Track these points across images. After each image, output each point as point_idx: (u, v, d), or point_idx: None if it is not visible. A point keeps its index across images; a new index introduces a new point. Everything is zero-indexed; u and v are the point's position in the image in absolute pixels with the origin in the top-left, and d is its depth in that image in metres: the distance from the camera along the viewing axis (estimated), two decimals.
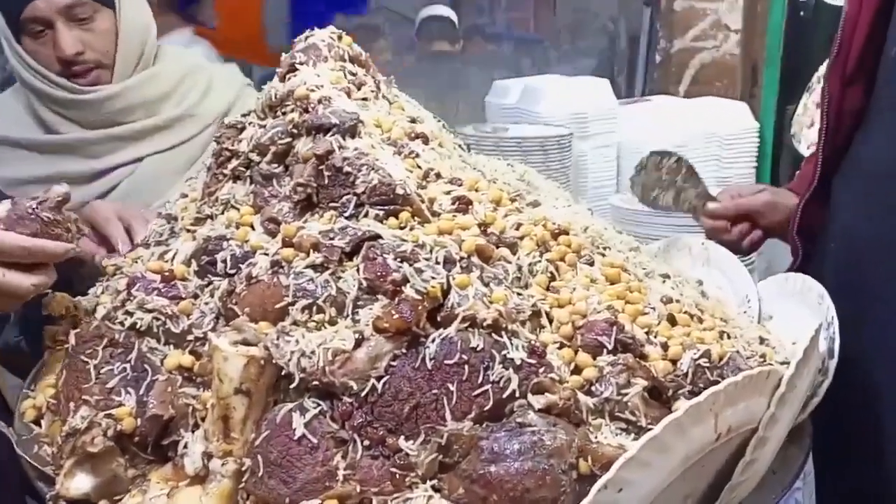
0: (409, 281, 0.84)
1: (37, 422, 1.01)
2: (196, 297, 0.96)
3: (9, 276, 0.93)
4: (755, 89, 2.78)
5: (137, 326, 0.94)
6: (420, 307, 0.83)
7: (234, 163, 1.04)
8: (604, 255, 1.00)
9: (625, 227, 1.47)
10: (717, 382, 0.80)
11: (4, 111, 1.50)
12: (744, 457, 0.82)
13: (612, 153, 2.18)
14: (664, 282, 1.02)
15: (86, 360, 0.93)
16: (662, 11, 3.96)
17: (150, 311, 0.94)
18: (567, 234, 0.97)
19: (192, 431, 0.86)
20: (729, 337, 0.94)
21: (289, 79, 1.08)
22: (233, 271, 0.94)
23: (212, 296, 0.95)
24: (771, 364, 0.89)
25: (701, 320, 0.95)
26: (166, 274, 0.98)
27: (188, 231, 1.06)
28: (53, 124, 1.46)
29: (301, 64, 1.09)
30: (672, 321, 0.91)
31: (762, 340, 1.00)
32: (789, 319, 1.15)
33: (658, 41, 4.02)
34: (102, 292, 1.08)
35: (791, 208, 1.35)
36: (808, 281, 1.14)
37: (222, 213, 1.03)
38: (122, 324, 0.95)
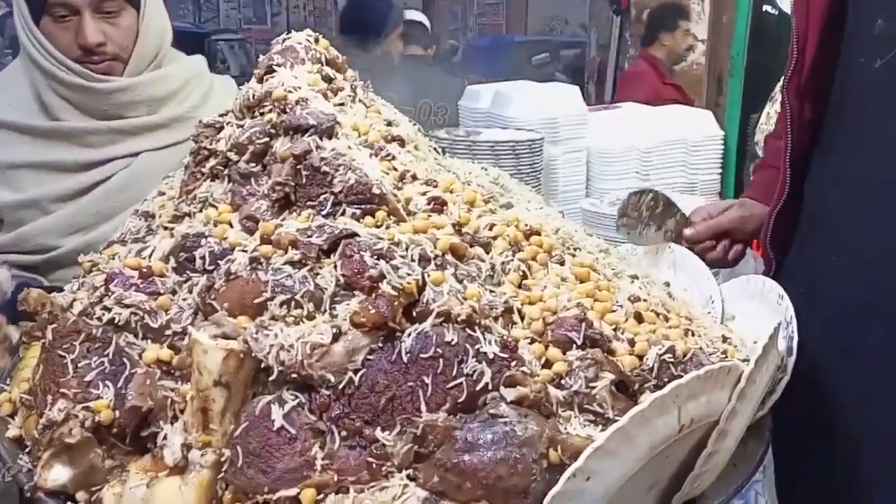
0: (385, 277, 0.87)
1: (12, 416, 1.01)
2: (174, 292, 0.97)
3: None
4: (720, 98, 2.86)
5: (115, 321, 0.95)
6: (396, 303, 0.85)
7: (213, 161, 1.06)
8: (574, 255, 1.04)
9: (594, 230, 1.52)
10: (680, 377, 0.83)
11: (5, 93, 1.51)
12: (706, 448, 0.85)
13: (582, 158, 2.22)
14: (632, 282, 1.06)
15: (63, 354, 0.93)
16: (632, 21, 4.04)
17: (128, 306, 0.95)
18: (539, 234, 1.00)
19: (171, 423, 0.87)
20: (693, 335, 0.98)
21: (266, 80, 1.10)
22: (211, 268, 0.96)
23: (190, 291, 0.96)
24: (732, 360, 0.93)
25: (667, 318, 0.98)
26: (144, 270, 0.99)
27: (166, 228, 1.07)
28: (56, 110, 1.47)
29: (279, 66, 1.11)
30: (639, 319, 0.95)
31: (725, 339, 1.04)
32: (751, 319, 1.19)
33: (627, 50, 4.11)
34: (79, 288, 1.09)
35: (759, 217, 1.40)
36: (768, 282, 1.19)
37: (200, 210, 1.04)
38: (99, 319, 0.96)
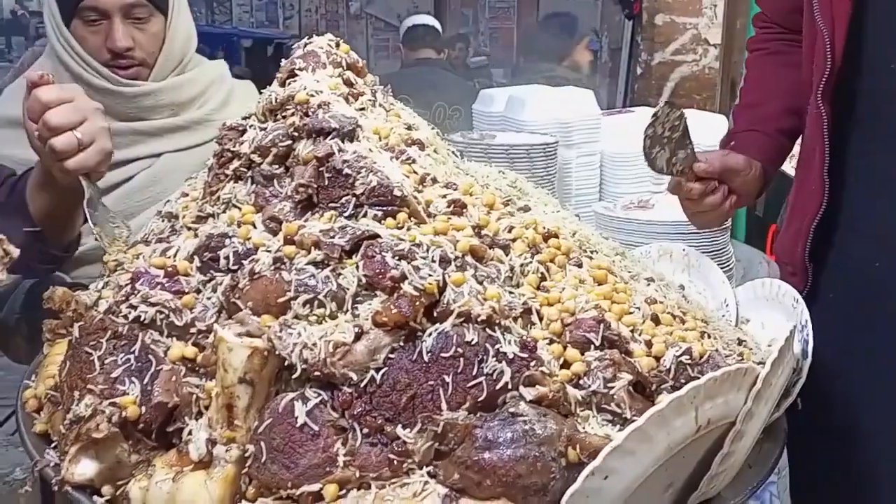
0: (407, 278, 0.88)
1: (37, 412, 1.03)
2: (198, 291, 0.99)
3: None
4: (734, 103, 2.86)
5: (141, 319, 0.96)
6: (417, 303, 0.86)
7: (236, 163, 1.08)
8: (591, 258, 1.05)
9: (607, 233, 1.53)
10: (697, 378, 0.85)
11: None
12: (722, 449, 0.86)
13: (595, 161, 2.23)
14: (648, 284, 1.07)
15: (90, 351, 0.95)
16: (644, 25, 4.04)
17: (153, 304, 0.97)
18: (557, 237, 1.02)
19: (196, 419, 0.89)
20: (709, 337, 0.99)
21: (289, 84, 1.12)
22: (235, 267, 0.98)
23: (214, 290, 0.98)
24: (749, 363, 0.94)
25: (683, 321, 1.00)
26: (169, 269, 1.01)
27: (189, 229, 1.09)
28: None
29: (301, 70, 1.13)
30: (656, 321, 0.96)
31: (740, 342, 1.05)
32: (765, 322, 1.20)
33: (639, 54, 4.11)
34: (104, 287, 1.11)
35: (757, 171, 1.35)
36: (783, 286, 1.20)
37: (224, 211, 1.06)
38: (125, 317, 0.97)
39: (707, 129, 2.48)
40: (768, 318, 1.20)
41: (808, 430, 1.13)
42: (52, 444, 0.95)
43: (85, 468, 0.89)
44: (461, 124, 2.99)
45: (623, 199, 2.13)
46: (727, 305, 1.27)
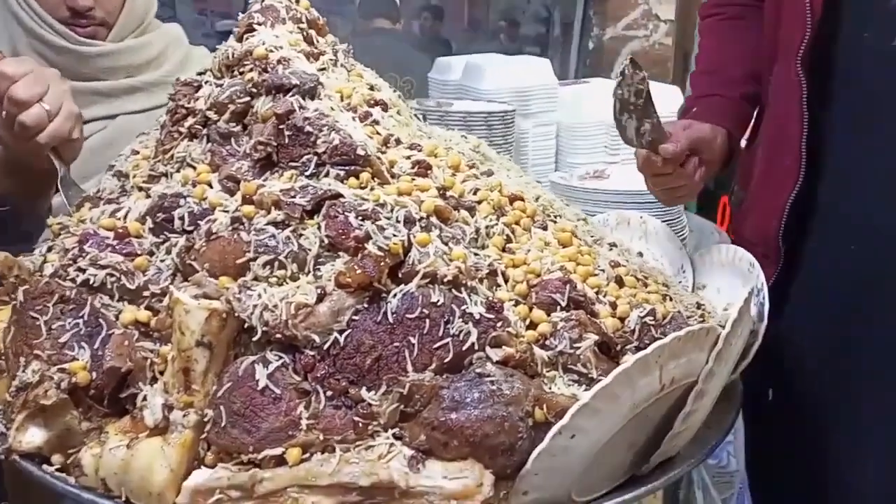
0: (371, 238, 0.86)
1: None
2: (151, 254, 0.96)
3: None
4: (686, 74, 2.89)
5: (90, 283, 0.92)
6: (382, 263, 0.85)
7: (191, 121, 1.03)
8: (555, 221, 1.04)
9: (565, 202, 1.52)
10: (661, 338, 0.85)
11: None
12: (684, 408, 0.87)
13: (552, 131, 2.23)
14: (611, 249, 1.07)
15: (35, 316, 0.91)
16: (595, 0, 4.05)
17: (103, 267, 0.93)
18: (522, 200, 1.01)
19: (151, 385, 0.86)
20: (671, 300, 1.00)
21: (246, 39, 1.08)
22: (191, 228, 0.94)
23: (168, 252, 0.94)
24: (711, 323, 0.95)
25: (646, 284, 1.00)
26: (120, 231, 0.97)
27: (141, 189, 1.04)
28: None
29: (259, 24, 1.09)
30: (620, 283, 0.96)
31: (698, 306, 1.06)
32: (720, 288, 1.22)
33: (591, 28, 4.12)
34: (49, 250, 1.06)
35: (722, 137, 1.28)
36: (738, 251, 1.21)
37: (178, 171, 1.02)
38: (73, 280, 0.93)
39: (663, 99, 2.51)
40: (724, 283, 1.21)
41: (771, 408, 1.14)
42: None
43: (33, 436, 0.85)
44: (414, 96, 2.95)
45: (579, 170, 2.13)
46: (684, 272, 1.28)
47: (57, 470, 0.85)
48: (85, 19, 1.44)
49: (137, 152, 1.13)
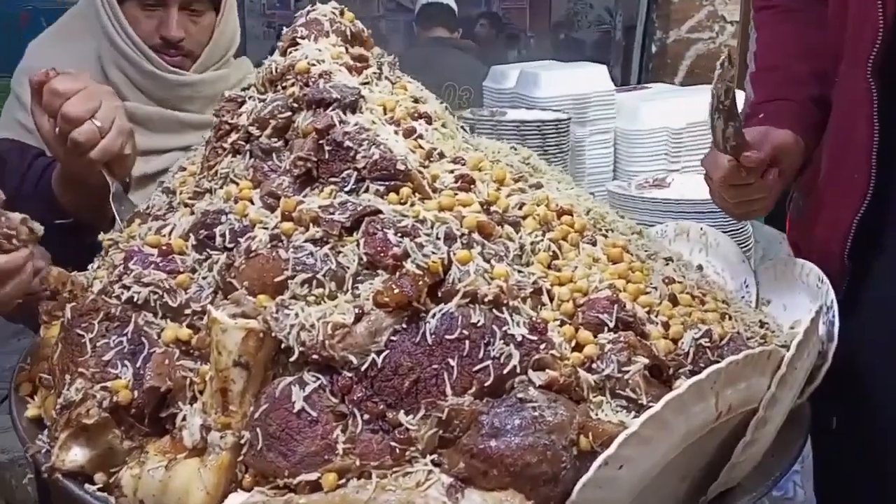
0: (409, 256, 0.84)
1: (32, 395, 1.00)
2: (194, 271, 0.95)
3: None
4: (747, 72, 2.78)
5: (134, 300, 0.93)
6: (421, 282, 0.82)
7: (234, 136, 1.03)
8: (606, 236, 1.00)
9: (622, 213, 1.47)
10: (718, 362, 0.80)
11: (68, 53, 1.50)
12: (744, 436, 0.82)
13: (609, 139, 2.16)
14: (667, 264, 1.02)
15: (81, 333, 0.92)
16: (659, 2, 3.96)
17: (147, 284, 0.93)
18: (570, 214, 0.97)
19: (191, 404, 0.85)
20: (730, 319, 0.94)
21: (290, 53, 1.07)
22: (231, 245, 0.93)
23: (210, 270, 0.94)
24: (772, 346, 0.89)
25: (703, 302, 0.95)
26: (164, 248, 0.97)
27: (186, 205, 1.05)
28: (119, 86, 1.48)
29: (302, 38, 1.08)
30: (674, 301, 0.91)
31: (762, 324, 1.00)
32: (787, 305, 1.15)
33: (654, 32, 4.02)
34: (99, 267, 1.08)
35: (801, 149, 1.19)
36: (806, 265, 1.14)
37: (221, 187, 1.02)
38: (118, 298, 0.94)
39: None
40: (790, 300, 1.14)
41: (840, 431, 1.07)
42: (45, 430, 0.92)
43: (76, 455, 0.85)
44: (471, 105, 2.93)
45: (638, 178, 2.06)
46: (747, 286, 1.22)
47: (99, 489, 0.85)
48: (175, 49, 1.49)
49: (185, 169, 1.13)
